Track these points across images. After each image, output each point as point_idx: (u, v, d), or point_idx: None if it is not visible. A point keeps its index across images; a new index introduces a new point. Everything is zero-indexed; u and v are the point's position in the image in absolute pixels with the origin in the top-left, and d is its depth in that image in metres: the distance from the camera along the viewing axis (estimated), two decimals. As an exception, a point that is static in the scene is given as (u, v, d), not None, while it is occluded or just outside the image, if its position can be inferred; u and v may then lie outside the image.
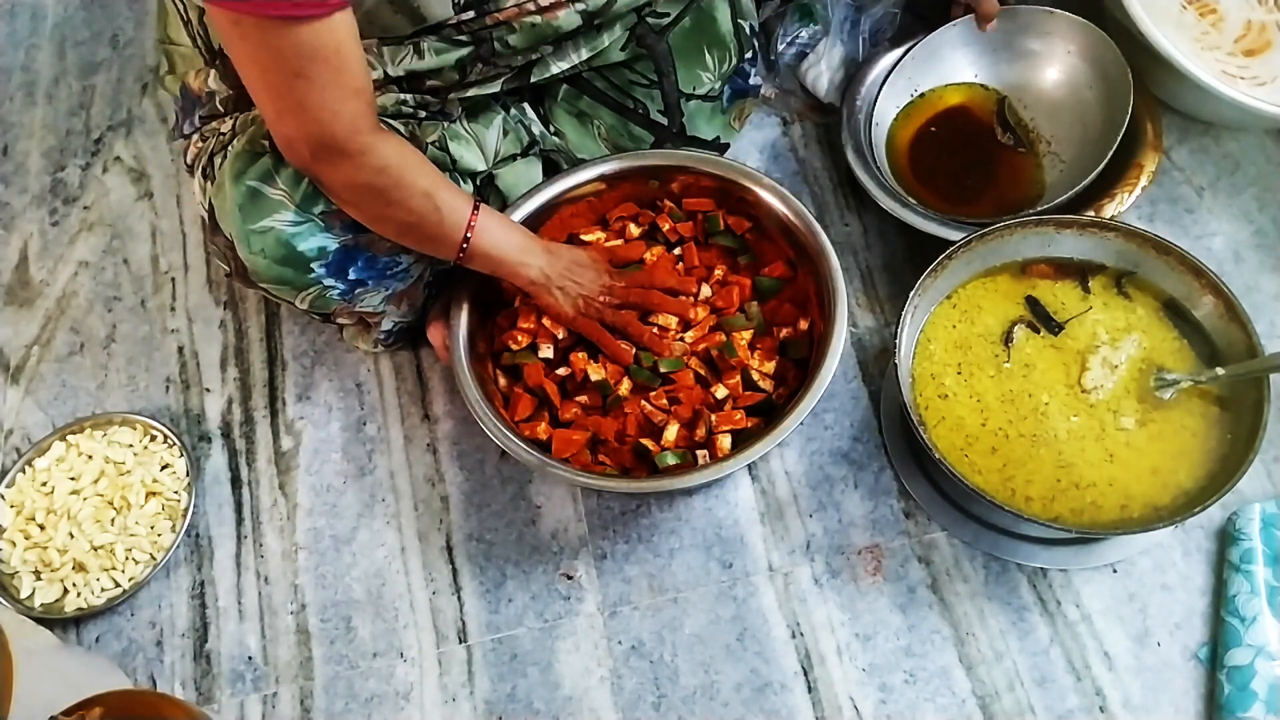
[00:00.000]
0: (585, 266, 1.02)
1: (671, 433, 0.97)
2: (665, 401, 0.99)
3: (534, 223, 1.06)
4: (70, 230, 1.31)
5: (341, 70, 0.81)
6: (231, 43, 0.82)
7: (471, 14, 0.93)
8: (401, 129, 0.96)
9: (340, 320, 1.07)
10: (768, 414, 0.99)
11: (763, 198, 1.05)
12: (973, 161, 1.18)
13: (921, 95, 1.21)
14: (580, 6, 0.96)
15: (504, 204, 1.07)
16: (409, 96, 0.98)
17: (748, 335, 1.02)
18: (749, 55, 1.15)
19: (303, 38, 0.78)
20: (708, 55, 1.10)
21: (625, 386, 0.99)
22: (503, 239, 0.96)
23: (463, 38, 0.95)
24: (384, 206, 0.90)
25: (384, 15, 0.90)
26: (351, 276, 0.97)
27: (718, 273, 1.06)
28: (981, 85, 1.21)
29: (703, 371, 1.01)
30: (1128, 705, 0.94)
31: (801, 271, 1.04)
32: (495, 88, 1.01)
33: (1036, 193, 1.14)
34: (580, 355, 1.01)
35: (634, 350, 1.00)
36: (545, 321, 1.02)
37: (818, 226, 1.02)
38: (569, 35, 0.99)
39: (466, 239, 0.94)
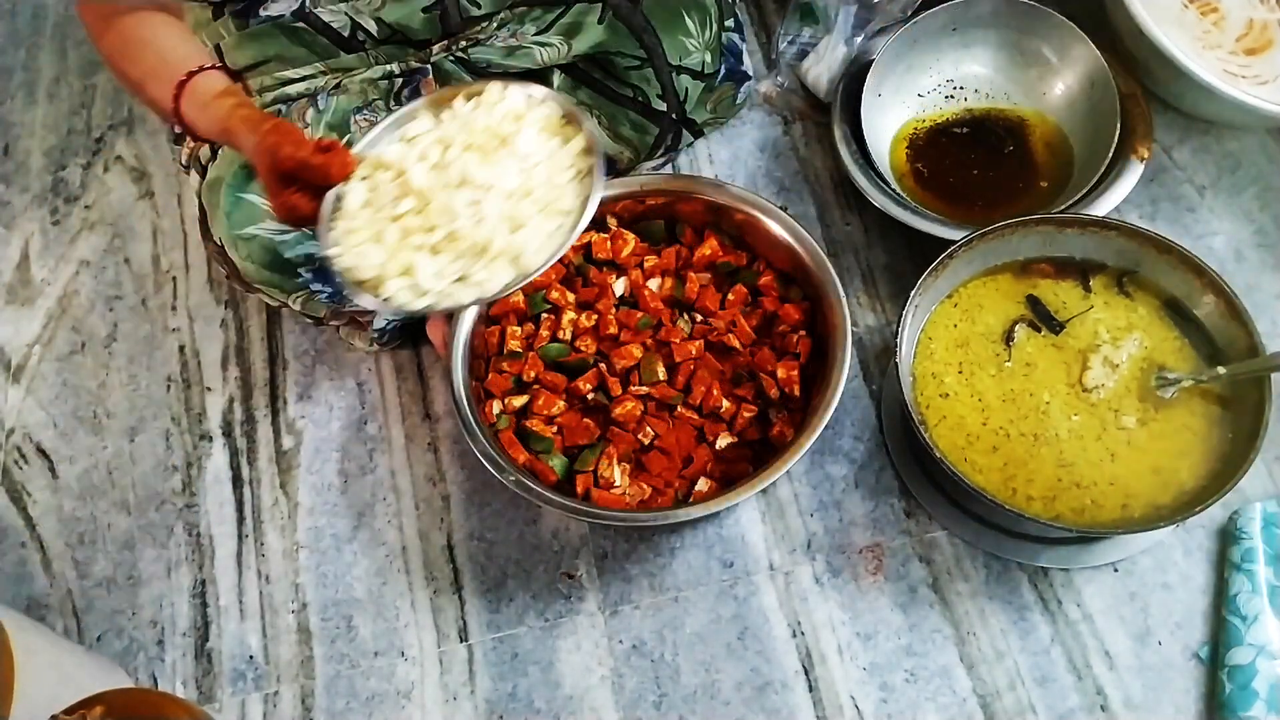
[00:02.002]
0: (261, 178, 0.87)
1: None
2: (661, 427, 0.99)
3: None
4: (71, 229, 1.31)
5: None
6: None
7: None
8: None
9: (332, 322, 1.07)
10: (764, 442, 0.99)
11: (774, 233, 1.04)
12: (976, 162, 1.18)
13: (920, 96, 1.22)
14: None
15: None
16: (396, 66, 0.99)
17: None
18: (730, 22, 1.15)
19: None
20: (687, 19, 1.10)
21: (627, 408, 0.99)
22: (212, 135, 0.89)
23: None
24: (123, 81, 0.90)
25: None
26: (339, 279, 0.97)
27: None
28: (946, 97, 1.22)
29: (696, 420, 1.00)
30: (1129, 704, 0.94)
31: (805, 294, 1.04)
32: (490, 54, 1.02)
33: (1039, 182, 1.15)
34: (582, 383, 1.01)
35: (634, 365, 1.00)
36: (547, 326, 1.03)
37: (826, 261, 1.00)
38: (540, 18, 1.00)
39: (184, 124, 0.89)
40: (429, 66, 1.02)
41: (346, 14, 0.97)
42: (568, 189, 0.82)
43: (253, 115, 0.83)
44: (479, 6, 1.00)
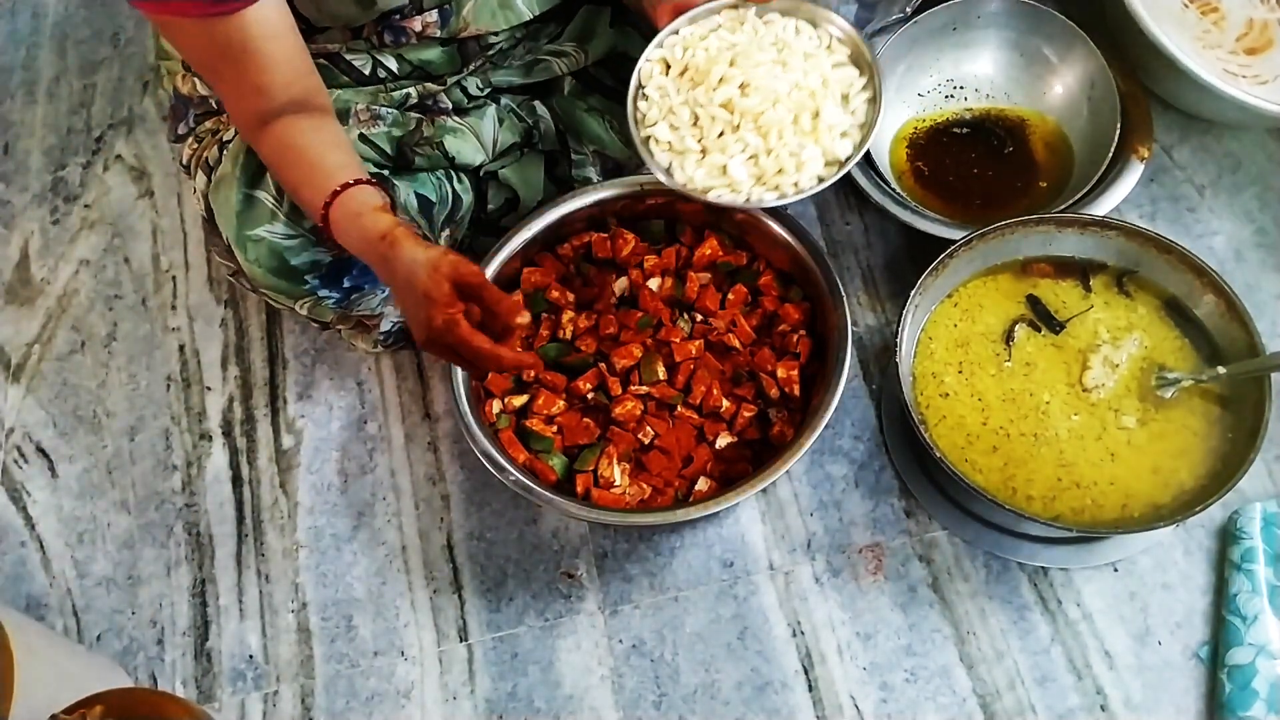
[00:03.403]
0: (415, 291, 0.80)
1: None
2: (661, 427, 0.99)
3: (546, 238, 1.06)
4: (71, 229, 1.31)
5: (247, 68, 0.83)
6: (172, 41, 0.87)
7: (436, 15, 0.95)
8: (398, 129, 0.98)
9: (338, 326, 1.07)
10: (764, 442, 0.99)
11: (774, 232, 1.04)
12: (976, 162, 1.18)
13: (920, 96, 1.22)
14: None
15: (513, 200, 1.07)
16: (413, 90, 1.00)
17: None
18: None
19: (215, 34, 0.81)
20: None
21: (627, 407, 0.99)
22: (355, 245, 0.86)
23: (436, 38, 0.96)
24: (282, 184, 0.92)
25: (332, 4, 0.91)
26: (346, 284, 0.97)
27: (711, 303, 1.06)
28: (946, 96, 1.22)
29: (696, 419, 1.00)
30: (1129, 704, 0.94)
31: (806, 295, 1.04)
32: (511, 75, 1.04)
33: (1039, 182, 1.15)
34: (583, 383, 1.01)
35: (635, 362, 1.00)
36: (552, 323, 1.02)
37: (834, 273, 1.00)
38: (554, 31, 0.99)
39: (329, 232, 0.87)
40: (447, 100, 1.03)
41: (369, 54, 0.97)
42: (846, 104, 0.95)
43: (419, 237, 0.82)
44: (496, 36, 1.01)
